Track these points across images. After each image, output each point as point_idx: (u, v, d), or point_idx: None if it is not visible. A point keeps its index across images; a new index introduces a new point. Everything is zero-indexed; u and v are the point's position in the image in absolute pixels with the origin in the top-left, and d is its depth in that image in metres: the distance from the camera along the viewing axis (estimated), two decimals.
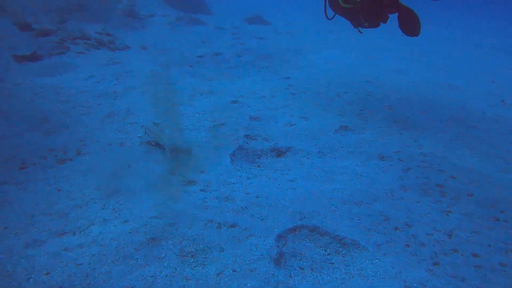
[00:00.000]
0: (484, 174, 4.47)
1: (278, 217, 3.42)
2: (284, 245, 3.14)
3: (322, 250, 3.17)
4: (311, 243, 3.23)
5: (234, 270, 2.81)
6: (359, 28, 5.71)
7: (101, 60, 7.72)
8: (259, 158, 4.60)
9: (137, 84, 6.56)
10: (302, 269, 2.97)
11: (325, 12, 5.83)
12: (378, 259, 3.06)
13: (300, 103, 6.16)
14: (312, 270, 2.97)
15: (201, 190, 3.75)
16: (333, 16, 5.81)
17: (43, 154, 4.37)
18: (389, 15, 5.35)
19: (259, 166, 4.43)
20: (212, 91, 6.45)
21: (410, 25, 5.29)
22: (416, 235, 3.35)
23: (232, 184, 3.89)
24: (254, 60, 8.76)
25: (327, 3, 5.68)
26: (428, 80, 8.47)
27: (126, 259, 2.84)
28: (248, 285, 2.70)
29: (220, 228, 3.21)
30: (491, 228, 3.53)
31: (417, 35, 5.33)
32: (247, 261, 2.89)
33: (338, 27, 7.39)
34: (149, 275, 2.72)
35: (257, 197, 3.68)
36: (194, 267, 2.82)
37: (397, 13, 5.30)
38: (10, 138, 4.55)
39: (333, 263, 3.04)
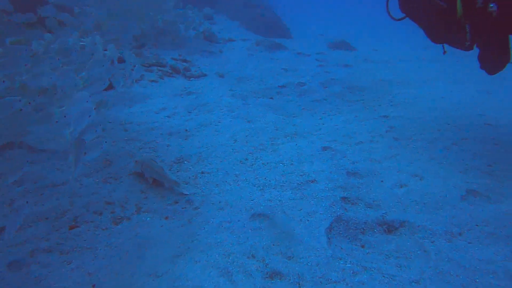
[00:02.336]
0: None
1: None
2: None
3: None
4: None
5: None
6: (444, 45, 5.08)
7: (174, 90, 7.08)
8: (363, 233, 3.45)
9: (212, 120, 5.75)
10: None
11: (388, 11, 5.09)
12: None
13: (409, 153, 4.92)
14: None
15: None
16: (403, 18, 5.07)
17: (99, 208, 3.64)
18: None
19: (363, 247, 3.29)
20: (297, 133, 5.43)
21: None
22: None
23: (334, 283, 2.78)
24: (343, 92, 7.63)
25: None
26: None
27: None
28: None
29: None
30: None
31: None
32: None
33: (439, 54, 6.13)
34: None
35: None
36: None
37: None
38: (67, 185, 3.90)
39: None
